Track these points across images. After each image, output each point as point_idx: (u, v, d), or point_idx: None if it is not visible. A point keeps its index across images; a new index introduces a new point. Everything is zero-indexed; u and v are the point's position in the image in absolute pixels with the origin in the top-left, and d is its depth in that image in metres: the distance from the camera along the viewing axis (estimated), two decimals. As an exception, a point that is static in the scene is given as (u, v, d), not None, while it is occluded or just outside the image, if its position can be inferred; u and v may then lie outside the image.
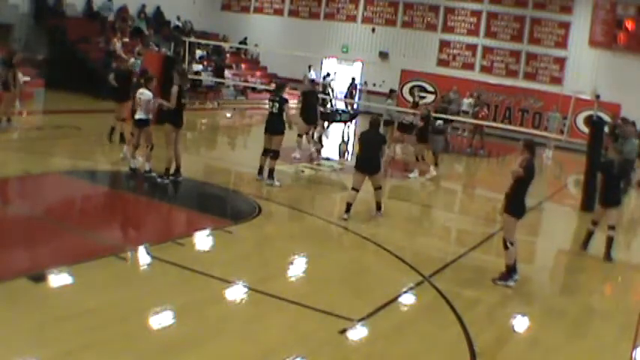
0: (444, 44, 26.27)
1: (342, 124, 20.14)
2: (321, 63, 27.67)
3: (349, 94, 25.61)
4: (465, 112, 22.04)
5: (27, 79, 16.17)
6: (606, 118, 17.48)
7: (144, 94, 10.70)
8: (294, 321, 6.04)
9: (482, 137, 19.74)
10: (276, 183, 11.22)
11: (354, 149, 13.85)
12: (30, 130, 14.29)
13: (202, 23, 28.07)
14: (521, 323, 6.80)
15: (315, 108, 15.02)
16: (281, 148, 11.41)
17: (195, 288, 6.47)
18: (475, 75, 24.95)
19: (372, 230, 9.39)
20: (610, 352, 6.31)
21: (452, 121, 18.87)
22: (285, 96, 11.57)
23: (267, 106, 11.70)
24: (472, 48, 25.80)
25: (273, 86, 12.59)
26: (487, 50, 25.54)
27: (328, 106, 22.26)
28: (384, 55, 27.01)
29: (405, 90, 25.09)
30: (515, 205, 7.60)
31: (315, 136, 16.11)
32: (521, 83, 24.65)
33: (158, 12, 26.36)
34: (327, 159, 15.51)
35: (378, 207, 10.04)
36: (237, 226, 8.75)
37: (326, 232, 9.38)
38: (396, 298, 6.84)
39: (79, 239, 7.61)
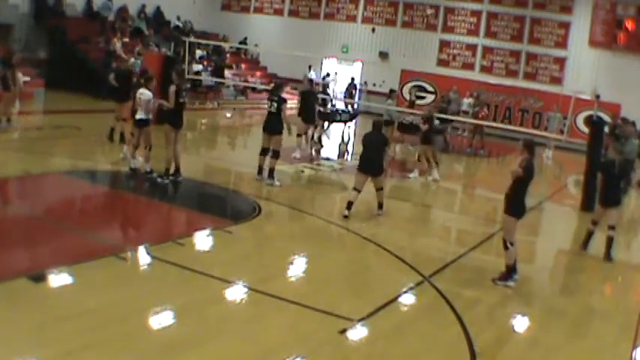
0: (444, 44, 26.26)
1: (342, 124, 20.14)
2: (321, 63, 27.67)
3: (348, 94, 25.61)
4: (465, 112, 22.01)
5: (27, 79, 16.18)
6: (606, 118, 17.47)
7: (144, 94, 10.70)
8: (294, 321, 6.04)
9: (482, 137, 19.72)
10: (276, 183, 11.22)
11: (354, 149, 13.85)
12: (30, 130, 14.28)
13: (202, 23, 28.06)
14: (521, 323, 6.79)
15: (314, 108, 15.03)
16: (281, 148, 11.42)
17: (195, 288, 6.47)
18: (475, 75, 24.93)
19: (372, 230, 9.40)
20: (610, 352, 6.30)
21: (452, 121, 18.87)
22: (284, 96, 11.58)
23: (266, 106, 11.70)
24: (472, 48, 25.79)
25: (272, 86, 12.58)
26: (487, 50, 25.53)
27: (328, 106, 22.25)
28: (384, 55, 27.01)
29: (405, 90, 25.07)
30: (515, 205, 7.60)
31: (315, 136, 16.11)
32: (521, 83, 24.64)
33: (158, 12, 26.35)
34: (327, 159, 15.53)
35: (380, 206, 10.13)
36: (237, 226, 8.75)
37: (326, 232, 9.38)
38: (396, 298, 6.84)
39: (79, 239, 7.61)
